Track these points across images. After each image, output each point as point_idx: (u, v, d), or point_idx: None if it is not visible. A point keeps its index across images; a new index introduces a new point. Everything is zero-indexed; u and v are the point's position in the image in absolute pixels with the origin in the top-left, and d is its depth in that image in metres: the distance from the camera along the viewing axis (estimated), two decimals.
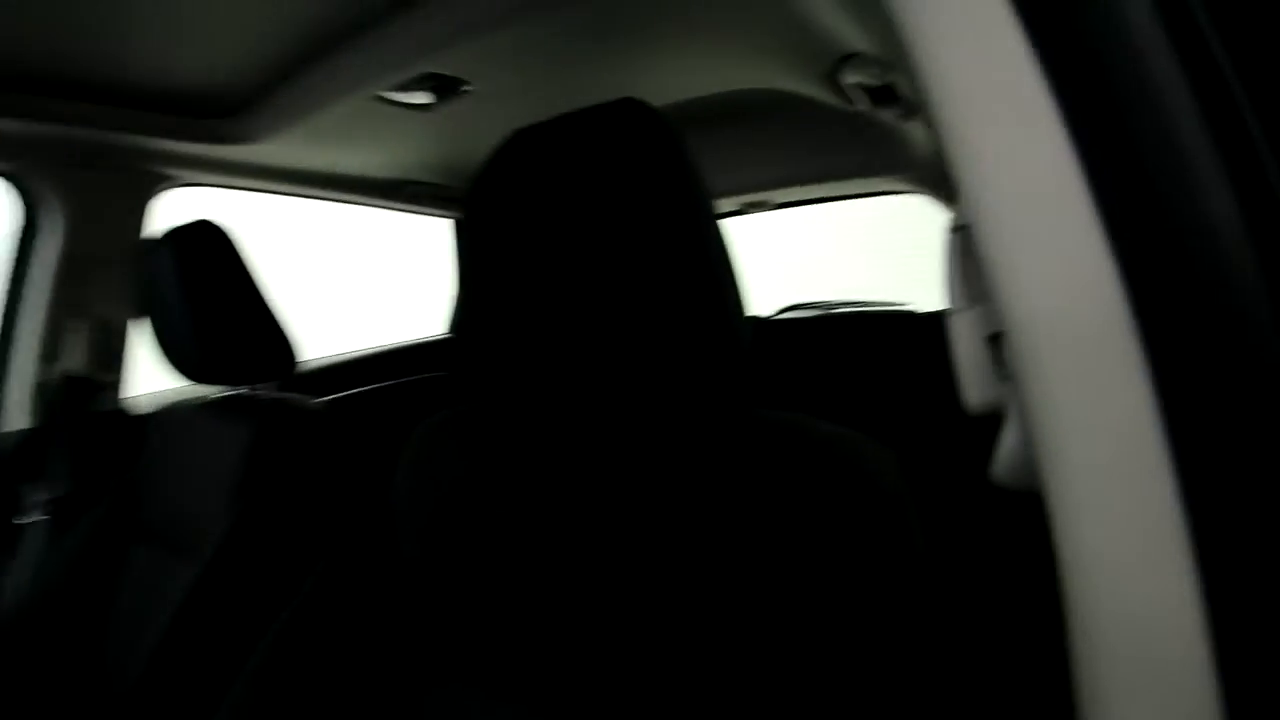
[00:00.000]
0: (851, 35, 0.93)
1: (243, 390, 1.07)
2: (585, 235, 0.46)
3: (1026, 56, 0.23)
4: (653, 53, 1.04)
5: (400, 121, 1.18)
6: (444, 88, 1.04)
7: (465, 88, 1.06)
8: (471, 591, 0.53)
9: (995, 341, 0.28)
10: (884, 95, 1.08)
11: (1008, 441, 0.26)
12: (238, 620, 0.84)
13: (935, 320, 1.58)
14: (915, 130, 1.36)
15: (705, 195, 0.47)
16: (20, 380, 1.18)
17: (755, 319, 1.88)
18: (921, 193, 1.79)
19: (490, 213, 0.50)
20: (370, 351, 1.83)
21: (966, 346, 0.29)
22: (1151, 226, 0.19)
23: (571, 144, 0.48)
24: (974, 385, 0.28)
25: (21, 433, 1.16)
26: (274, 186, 1.44)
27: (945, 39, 0.25)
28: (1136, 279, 0.20)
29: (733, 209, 2.05)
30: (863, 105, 1.11)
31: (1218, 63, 0.19)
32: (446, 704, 0.53)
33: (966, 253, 0.29)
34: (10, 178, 1.13)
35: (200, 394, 1.13)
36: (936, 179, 1.66)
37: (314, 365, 1.62)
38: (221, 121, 1.14)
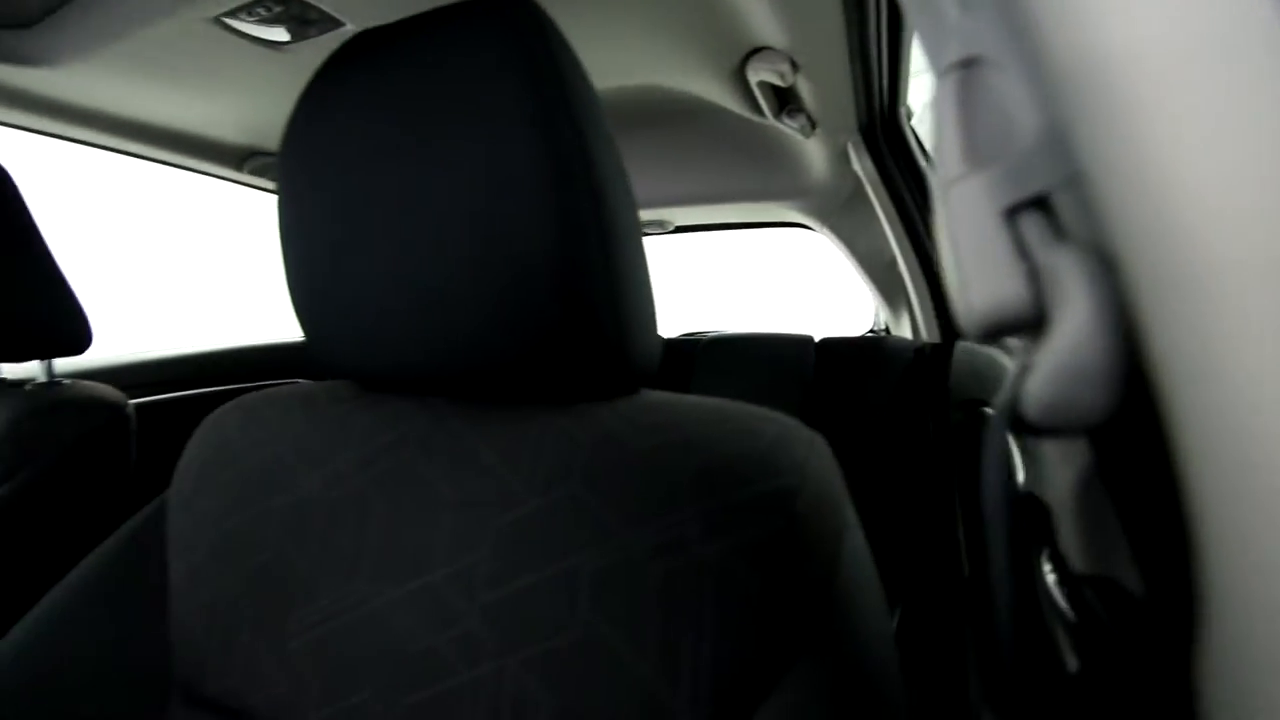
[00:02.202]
0: (764, 25, 0.89)
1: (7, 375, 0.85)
2: (431, 166, 0.37)
3: None
4: (564, 29, 0.96)
5: (250, 65, 1.00)
6: (307, 20, 0.88)
7: (337, 28, 0.91)
8: (258, 618, 0.41)
9: (1017, 216, 0.20)
10: (789, 100, 1.06)
11: (1057, 352, 0.17)
12: None
13: (833, 345, 1.62)
14: (815, 152, 1.36)
15: (593, 140, 0.38)
16: None
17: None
18: (813, 224, 1.83)
19: (314, 138, 0.40)
20: (206, 351, 1.55)
21: (971, 227, 0.20)
22: None
23: (423, 51, 0.38)
24: (983, 279, 0.20)
25: None
26: (81, 132, 1.17)
27: None
28: None
29: None
30: (769, 109, 1.08)
31: None
32: None
33: (972, 96, 0.21)
34: None
35: None
36: (829, 209, 1.70)
37: (128, 361, 1.34)
38: (8, 34, 0.91)
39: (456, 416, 0.41)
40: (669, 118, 1.38)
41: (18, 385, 0.82)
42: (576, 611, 0.33)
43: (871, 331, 2.14)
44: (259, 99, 1.18)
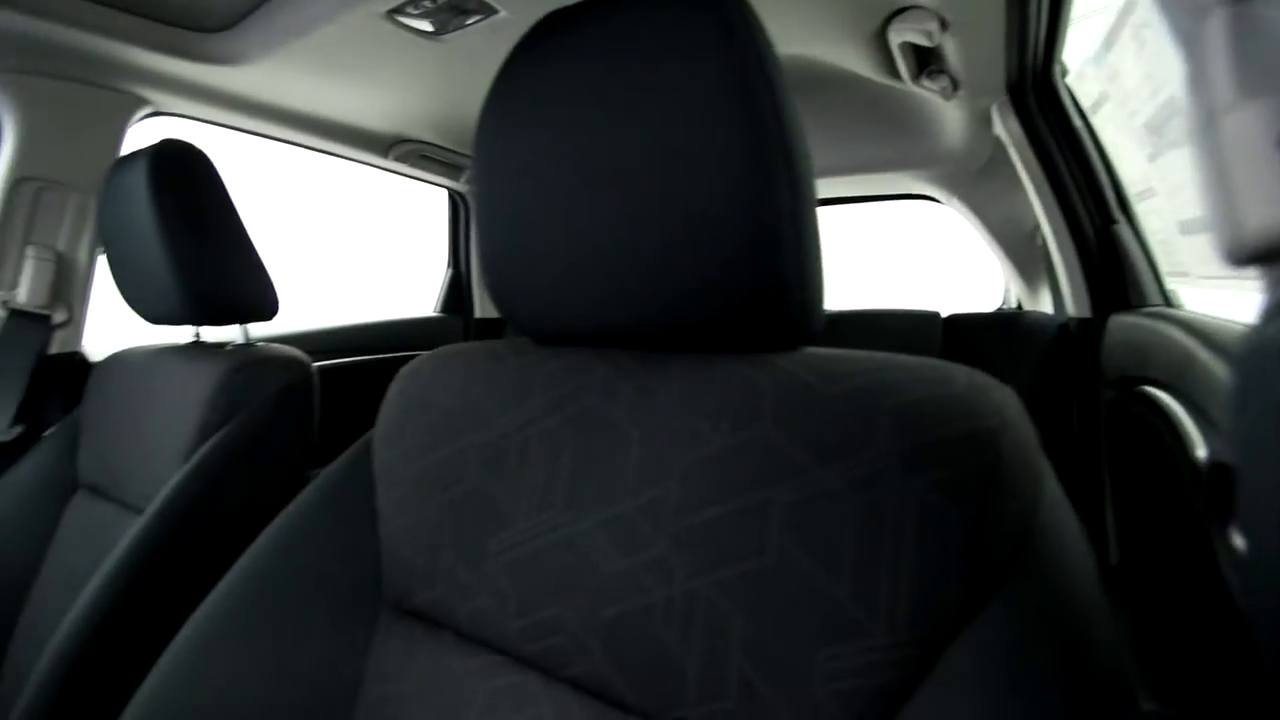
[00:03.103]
0: None
1: (208, 339, 0.98)
2: (624, 135, 0.39)
3: None
4: None
5: (405, 56, 1.09)
6: (464, 10, 0.94)
7: (481, 19, 0.96)
8: (458, 540, 0.46)
9: None
10: (931, 61, 1.01)
11: None
12: (181, 578, 0.74)
13: (961, 322, 1.55)
14: (951, 116, 1.30)
15: (785, 105, 0.38)
16: None
17: None
18: (940, 195, 1.74)
19: (508, 114, 0.44)
20: (351, 324, 1.71)
21: (1245, 153, 0.20)
22: None
23: (618, 26, 0.40)
24: (1258, 203, 0.19)
25: None
26: (260, 125, 1.32)
27: None
28: None
29: None
30: (907, 72, 1.04)
31: None
32: (399, 646, 0.47)
33: (1246, 30, 0.21)
34: None
35: (163, 341, 1.03)
36: (961, 177, 1.61)
37: (290, 333, 1.50)
38: (209, 37, 1.03)
39: (637, 365, 0.43)
40: (809, 87, 1.34)
41: (219, 347, 0.94)
42: (768, 539, 0.34)
43: (1001, 307, 2.02)
44: (408, 89, 1.27)
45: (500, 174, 0.45)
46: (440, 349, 0.54)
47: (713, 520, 0.36)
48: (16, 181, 1.05)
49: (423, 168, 1.70)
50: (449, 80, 1.23)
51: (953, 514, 0.31)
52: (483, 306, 2.07)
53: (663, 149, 0.38)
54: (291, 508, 0.54)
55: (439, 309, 2.04)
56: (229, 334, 0.99)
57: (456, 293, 2.06)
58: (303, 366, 0.89)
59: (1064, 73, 1.10)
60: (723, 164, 0.36)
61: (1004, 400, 0.35)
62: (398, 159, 1.62)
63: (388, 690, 0.46)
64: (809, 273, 0.39)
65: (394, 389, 0.54)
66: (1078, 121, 1.11)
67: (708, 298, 0.39)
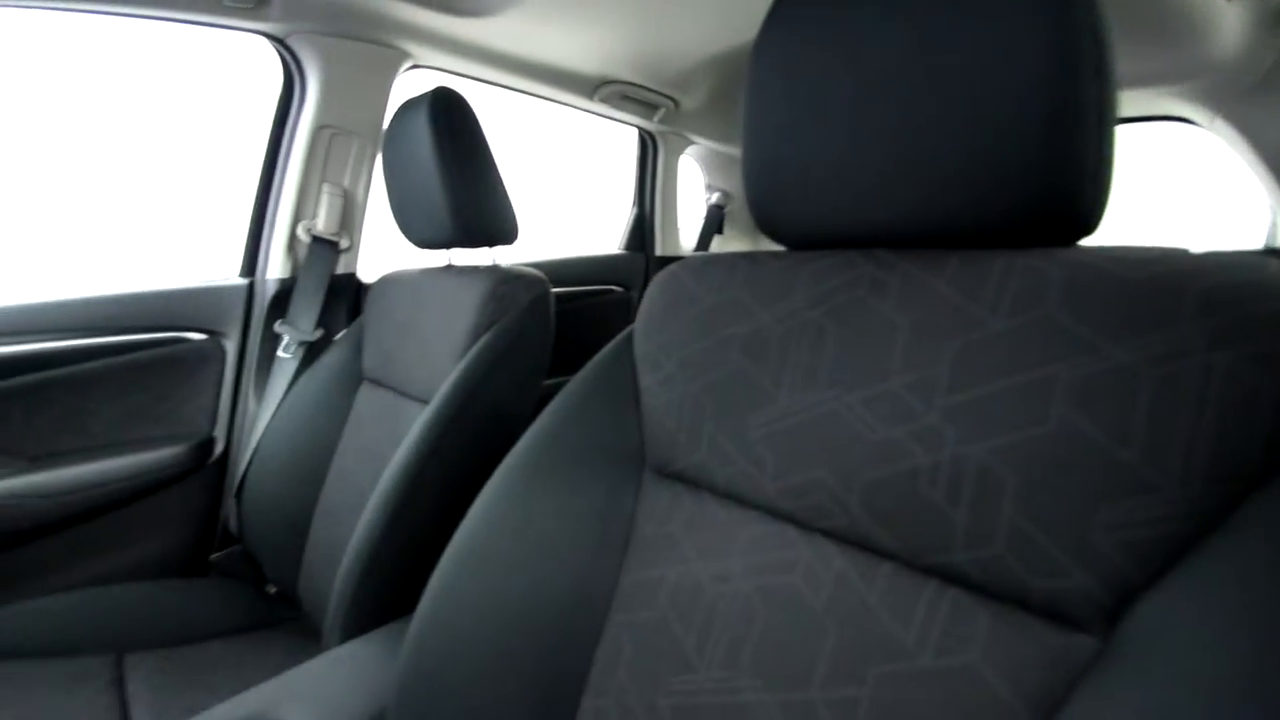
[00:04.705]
0: None
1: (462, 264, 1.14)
2: (918, 32, 0.40)
3: None
4: None
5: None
6: None
7: None
8: (720, 416, 0.50)
9: None
10: None
11: None
12: (461, 454, 0.89)
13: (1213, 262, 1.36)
14: (1226, 20, 1.12)
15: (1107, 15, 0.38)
16: (278, 236, 1.31)
17: None
18: (1198, 115, 1.50)
19: (785, 34, 0.46)
20: (547, 260, 1.85)
21: None
22: None
23: None
24: None
25: (279, 281, 1.31)
26: (492, 73, 1.47)
27: None
28: None
29: None
30: None
31: None
32: (664, 499, 0.53)
33: None
34: (276, 40, 1.23)
35: (422, 265, 1.21)
36: (1229, 93, 1.38)
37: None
38: None
39: (905, 261, 0.44)
40: None
41: (471, 269, 1.09)
42: (1051, 409, 0.35)
43: (1268, 244, 1.73)
44: (620, 29, 1.33)
45: (776, 83, 0.47)
46: (694, 256, 0.59)
47: (988, 395, 0.37)
48: (318, 129, 1.27)
49: (622, 108, 1.78)
50: (658, 18, 1.28)
51: (1264, 387, 0.30)
52: (663, 245, 2.15)
53: (961, 42, 0.39)
54: (568, 387, 0.62)
55: (623, 246, 2.15)
56: (475, 259, 1.14)
57: (640, 231, 2.16)
58: (544, 284, 1.01)
59: None
60: (1030, 46, 0.37)
61: None
62: (601, 100, 1.70)
63: (658, 530, 0.53)
64: (1106, 162, 0.38)
65: (652, 290, 0.59)
66: None
67: (994, 191, 0.40)
